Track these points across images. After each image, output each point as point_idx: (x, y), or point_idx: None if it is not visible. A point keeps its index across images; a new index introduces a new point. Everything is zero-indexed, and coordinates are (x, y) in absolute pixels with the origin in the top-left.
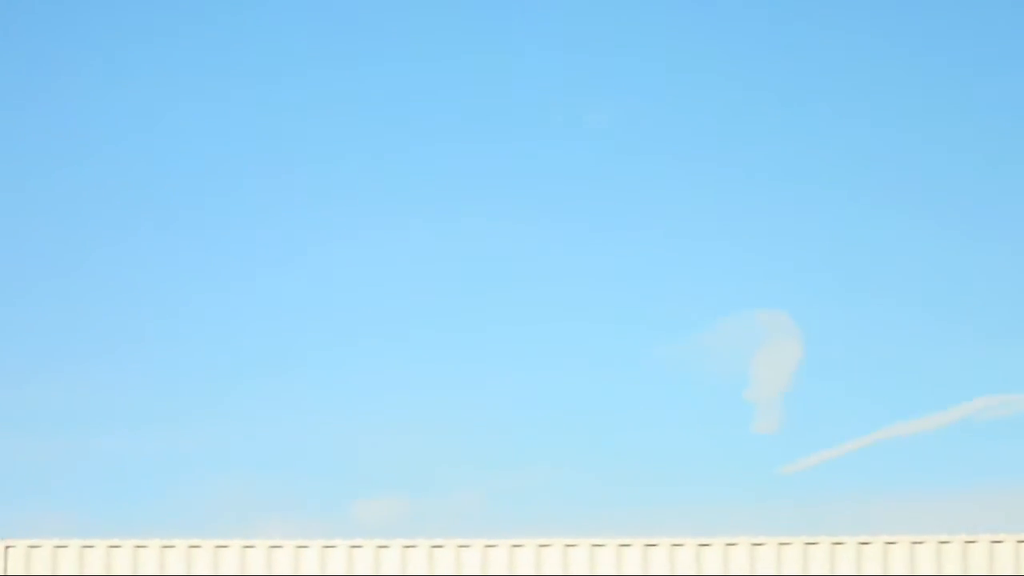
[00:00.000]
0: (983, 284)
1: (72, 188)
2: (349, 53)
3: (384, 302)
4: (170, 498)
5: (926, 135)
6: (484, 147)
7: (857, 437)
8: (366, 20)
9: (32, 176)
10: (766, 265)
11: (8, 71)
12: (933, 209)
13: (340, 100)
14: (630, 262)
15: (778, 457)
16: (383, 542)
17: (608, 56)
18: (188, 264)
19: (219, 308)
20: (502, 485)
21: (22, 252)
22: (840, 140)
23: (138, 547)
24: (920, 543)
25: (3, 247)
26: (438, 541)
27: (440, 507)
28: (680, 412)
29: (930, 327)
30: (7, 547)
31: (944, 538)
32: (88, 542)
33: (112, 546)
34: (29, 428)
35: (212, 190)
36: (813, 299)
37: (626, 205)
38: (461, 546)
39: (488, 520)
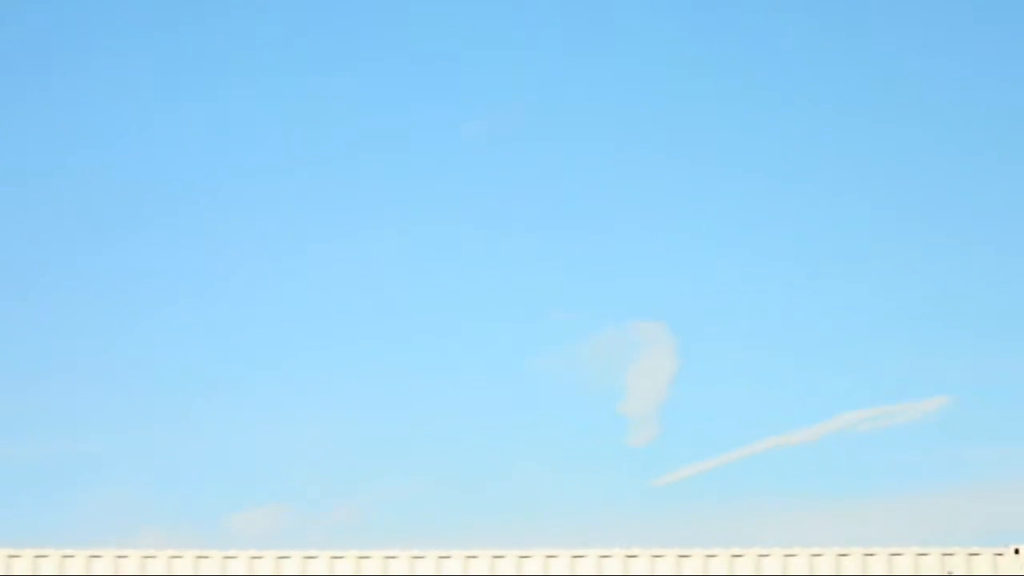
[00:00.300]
0: (857, 300)
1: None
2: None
3: (262, 316)
4: (47, 507)
5: (810, 168)
6: (351, 158)
7: (731, 449)
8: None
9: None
10: (643, 277)
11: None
12: (805, 225)
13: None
14: (506, 273)
15: (652, 469)
16: (257, 552)
17: (483, 67)
18: (81, 275)
19: (95, 321)
20: (380, 495)
21: None
22: (721, 152)
23: (12, 556)
24: (792, 555)
25: None
26: (311, 552)
27: (318, 518)
28: (555, 424)
29: (804, 341)
30: None
31: (816, 551)
32: None
33: None
34: None
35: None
36: (690, 311)
37: (503, 216)
38: (334, 557)
39: (365, 531)
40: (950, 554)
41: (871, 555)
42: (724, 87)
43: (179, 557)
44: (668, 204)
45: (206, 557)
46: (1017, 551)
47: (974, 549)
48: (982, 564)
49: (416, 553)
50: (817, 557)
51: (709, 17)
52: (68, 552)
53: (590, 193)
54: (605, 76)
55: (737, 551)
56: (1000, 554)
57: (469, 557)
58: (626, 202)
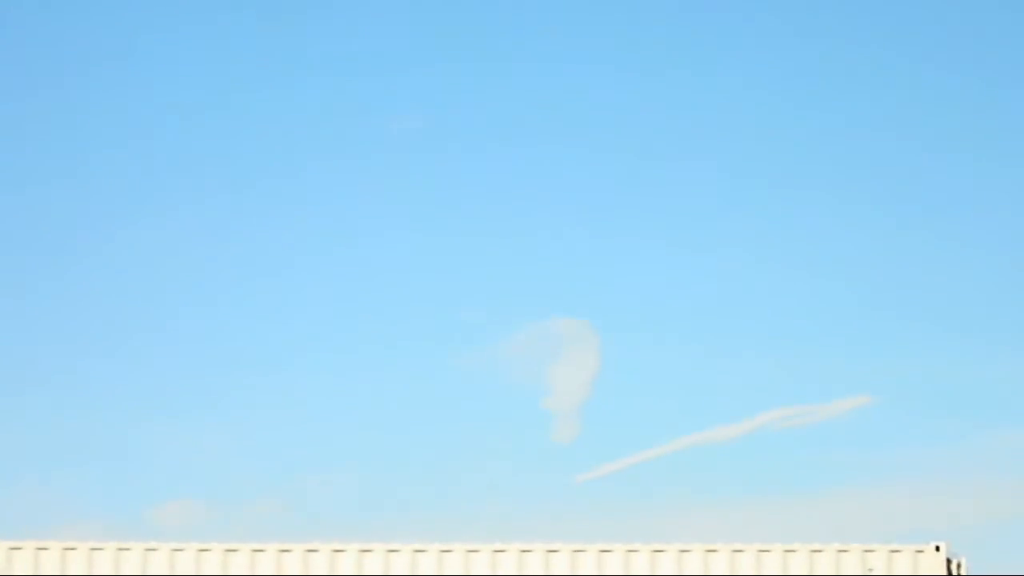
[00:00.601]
0: (777, 299)
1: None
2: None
3: (177, 301)
4: None
5: (732, 164)
6: (277, 151)
7: (654, 446)
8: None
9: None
10: (567, 274)
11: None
12: (727, 218)
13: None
14: (432, 269)
15: (575, 465)
16: (178, 545)
17: (412, 66)
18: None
19: (9, 310)
20: (301, 490)
21: None
22: (641, 150)
23: None
24: (713, 551)
25: None
26: (232, 545)
27: (239, 512)
28: (479, 420)
29: (729, 338)
30: None
31: (738, 547)
32: None
33: None
34: None
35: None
36: (613, 308)
37: (429, 210)
38: (255, 550)
39: (286, 524)
40: (871, 551)
41: (792, 552)
42: (644, 85)
43: (100, 549)
44: (590, 203)
45: (127, 549)
46: (938, 548)
47: (895, 547)
48: (903, 562)
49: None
50: (738, 554)
51: (627, 15)
52: None
53: (515, 192)
54: (533, 77)
55: (659, 547)
56: (921, 551)
57: (389, 552)
58: (549, 202)
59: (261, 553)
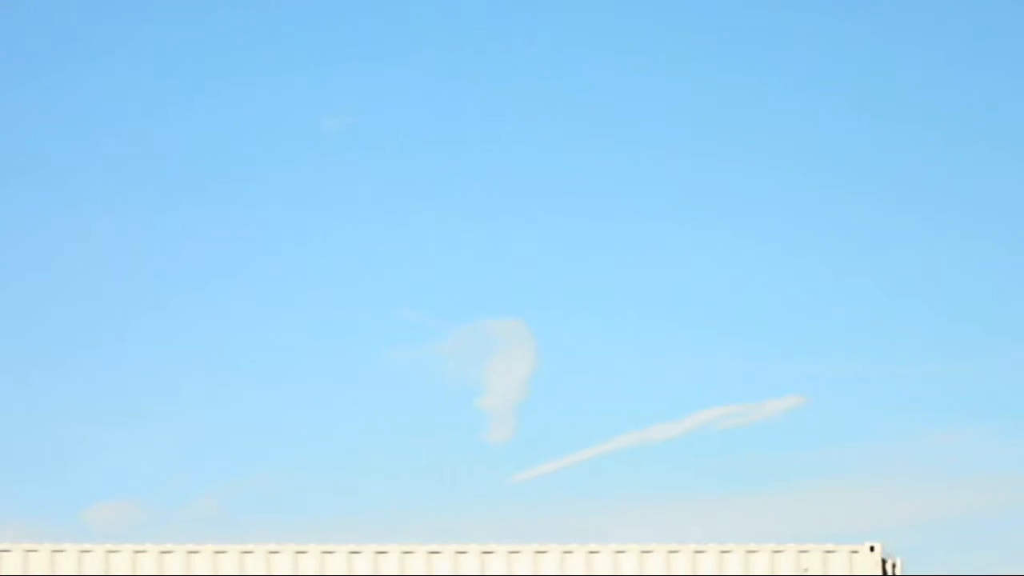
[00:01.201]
0: (716, 296)
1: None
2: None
3: (108, 300)
4: None
5: (667, 144)
6: (211, 145)
7: (590, 446)
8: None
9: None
10: (501, 273)
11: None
12: (664, 214)
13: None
14: (366, 267)
15: (511, 465)
16: (112, 547)
17: (343, 63)
18: None
19: None
20: (235, 491)
21: None
22: (573, 147)
23: None
24: (649, 552)
25: None
26: (168, 546)
27: (174, 513)
28: (414, 419)
29: (664, 338)
30: None
31: (673, 547)
32: None
33: None
34: None
35: None
36: (547, 307)
37: (362, 207)
38: (191, 552)
39: (223, 525)
40: (805, 551)
41: (727, 552)
42: (572, 82)
43: (34, 551)
44: (524, 202)
45: (61, 551)
46: (873, 548)
47: (829, 547)
48: (837, 562)
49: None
50: (674, 554)
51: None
52: None
53: (449, 191)
54: (461, 73)
55: (594, 548)
56: (856, 552)
57: (324, 553)
58: (486, 200)
59: (196, 555)
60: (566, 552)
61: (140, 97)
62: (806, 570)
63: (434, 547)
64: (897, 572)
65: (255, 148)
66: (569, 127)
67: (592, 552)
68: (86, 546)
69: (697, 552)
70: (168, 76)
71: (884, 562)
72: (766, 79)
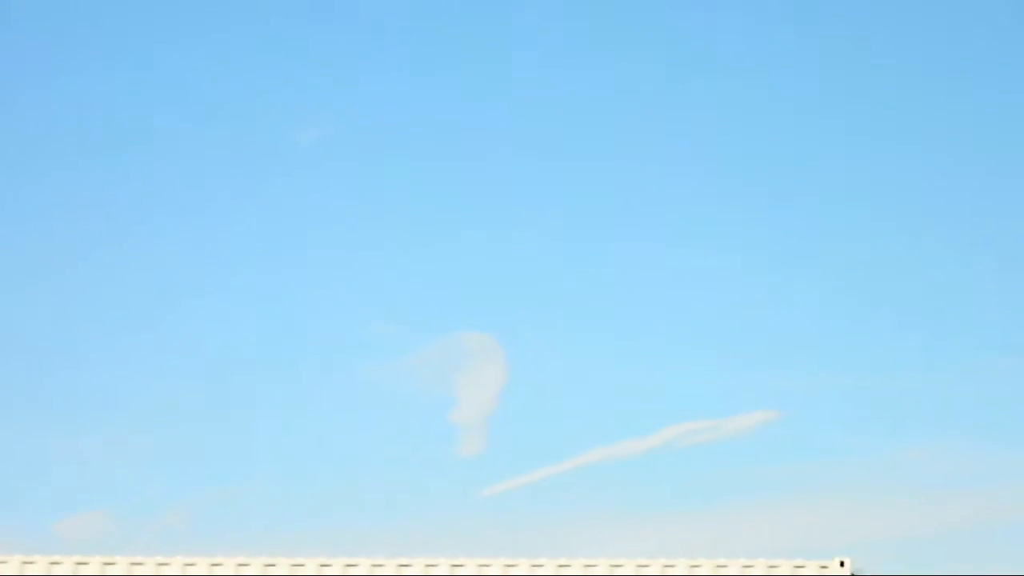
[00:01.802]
0: (686, 311)
1: None
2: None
3: (85, 311)
4: None
5: (636, 179)
6: (189, 160)
7: (561, 460)
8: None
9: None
10: (472, 288)
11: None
12: (633, 228)
13: None
14: (339, 281)
15: (482, 479)
16: (82, 558)
17: (316, 76)
18: None
19: None
20: (209, 501)
21: None
22: (543, 158)
23: None
24: (619, 566)
25: None
26: (138, 558)
27: (145, 525)
28: (385, 433)
29: (635, 352)
30: None
31: (643, 562)
32: None
33: None
34: None
35: None
36: (518, 322)
37: (335, 220)
38: (160, 563)
39: (194, 537)
40: (776, 566)
41: (697, 567)
42: (547, 93)
43: (4, 562)
44: (495, 216)
45: (31, 563)
46: (842, 564)
47: (799, 562)
48: None
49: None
50: (643, 568)
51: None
52: None
53: (420, 203)
54: (437, 85)
55: (564, 561)
56: (825, 567)
57: (294, 565)
58: (457, 214)
59: (166, 566)
60: (535, 565)
61: (110, 109)
62: None
63: (404, 560)
64: None
65: (228, 162)
66: (543, 140)
67: (562, 565)
68: (56, 557)
69: (667, 566)
70: (143, 90)
71: None
72: (749, 87)
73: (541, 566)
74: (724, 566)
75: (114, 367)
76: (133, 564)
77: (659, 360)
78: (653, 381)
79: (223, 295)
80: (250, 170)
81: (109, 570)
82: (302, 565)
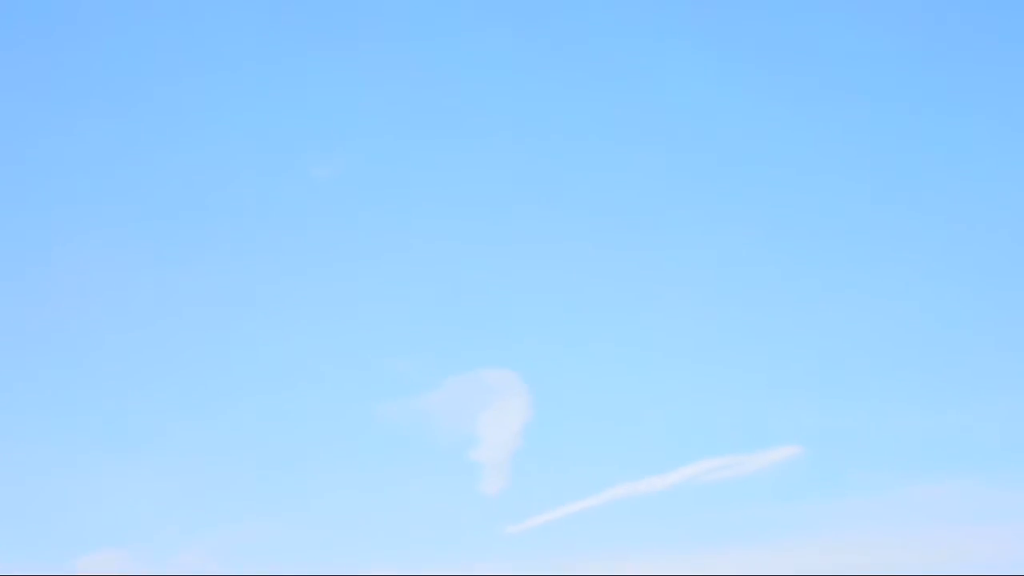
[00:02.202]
0: (708, 346)
1: None
2: None
3: (101, 344)
4: None
5: (657, 214)
6: (203, 198)
7: (584, 498)
8: None
9: None
10: (493, 324)
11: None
12: (653, 261)
13: None
14: (356, 319)
15: (506, 517)
16: None
17: (336, 108)
18: None
19: None
20: (227, 540)
21: None
22: (561, 195)
23: None
24: None
25: None
26: None
27: (164, 563)
28: (406, 472)
29: (657, 387)
30: None
31: None
32: None
33: None
34: None
35: None
36: (540, 358)
37: (352, 259)
38: None
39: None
40: None
41: None
42: (567, 125)
43: None
44: (514, 250)
45: None
46: None
47: None
48: None
49: None
50: None
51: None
52: None
53: (440, 240)
54: (451, 120)
55: None
56: None
57: None
58: (475, 250)
59: None
60: None
61: (126, 139)
62: None
63: None
64: None
65: (242, 196)
66: (563, 178)
67: None
68: None
69: None
70: (151, 128)
71: None
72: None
73: None
74: None
75: (137, 404)
76: None
77: (681, 395)
78: (676, 417)
79: (237, 332)
80: (264, 204)
81: None
82: None
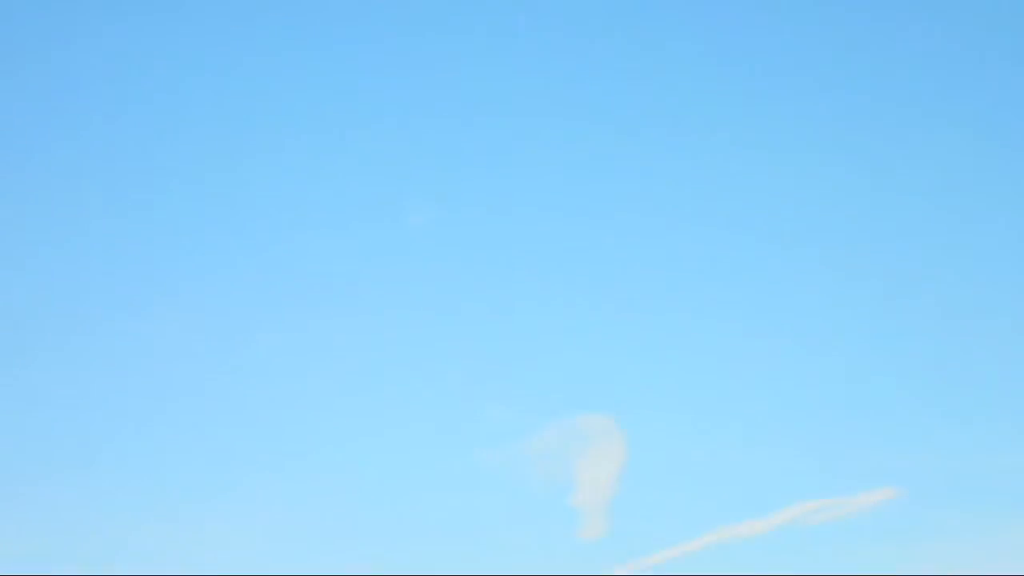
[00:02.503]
0: (806, 391)
1: None
2: None
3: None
4: None
5: (751, 249)
6: (303, 243)
7: (683, 541)
8: None
9: None
10: (588, 370)
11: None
12: (747, 307)
13: None
14: (455, 366)
15: (604, 562)
16: None
17: (429, 156)
18: None
19: None
20: None
21: None
22: (649, 244)
23: None
24: None
25: None
26: None
27: None
28: (506, 517)
29: (754, 430)
30: None
31: None
32: None
33: None
34: None
35: None
36: (636, 403)
37: (450, 307)
38: None
39: None
40: None
41: None
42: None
43: None
44: (608, 298)
45: None
46: None
47: None
48: None
49: None
50: None
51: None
52: None
53: (536, 288)
54: (548, 162)
55: None
56: None
57: None
58: (571, 298)
59: None
60: None
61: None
62: None
63: None
64: None
65: (339, 243)
66: (652, 231)
67: None
68: None
69: None
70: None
71: None
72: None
73: None
74: None
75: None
76: None
77: (780, 438)
78: (774, 459)
79: (335, 380)
80: (361, 251)
81: None
82: None
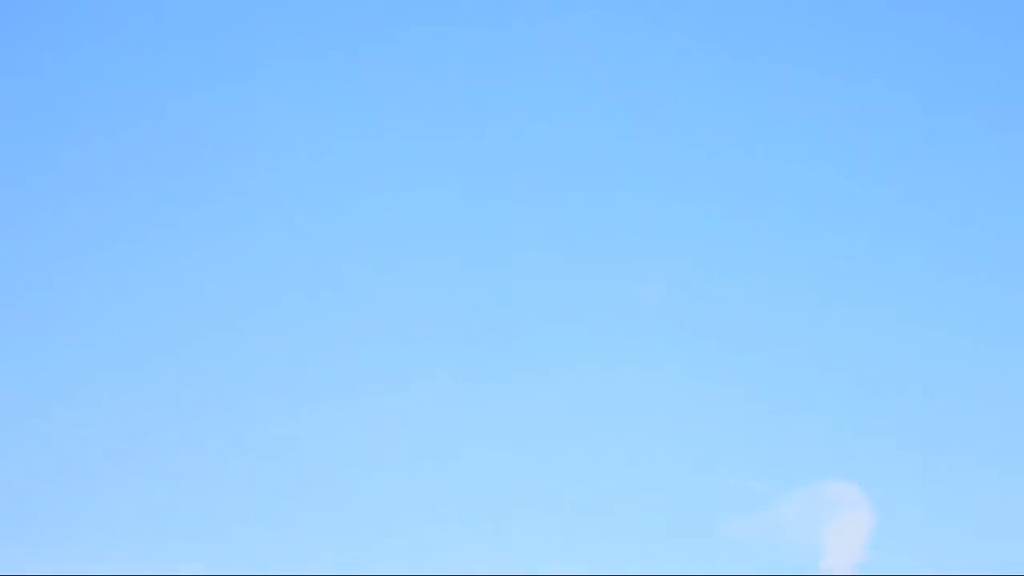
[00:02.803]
0: None
1: None
2: None
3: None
4: None
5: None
6: (521, 320)
7: None
8: None
9: None
10: (834, 436)
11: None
12: (991, 376)
13: None
14: (699, 440)
15: None
16: None
17: (663, 229)
18: None
19: None
20: None
21: None
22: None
23: None
24: None
25: None
26: None
27: None
28: None
29: (1004, 491)
30: None
31: None
32: None
33: None
34: None
35: None
36: (879, 468)
37: (685, 380)
38: None
39: None
40: None
41: None
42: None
43: None
44: (853, 364)
45: None
46: None
47: None
48: None
49: None
50: None
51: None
52: None
53: (771, 360)
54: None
55: None
56: None
57: None
58: (811, 365)
59: None
60: None
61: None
62: None
63: None
64: None
65: (569, 316)
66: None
67: None
68: None
69: None
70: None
71: None
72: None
73: None
74: None
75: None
76: None
77: None
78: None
79: (576, 455)
80: (591, 326)
81: None
82: None
